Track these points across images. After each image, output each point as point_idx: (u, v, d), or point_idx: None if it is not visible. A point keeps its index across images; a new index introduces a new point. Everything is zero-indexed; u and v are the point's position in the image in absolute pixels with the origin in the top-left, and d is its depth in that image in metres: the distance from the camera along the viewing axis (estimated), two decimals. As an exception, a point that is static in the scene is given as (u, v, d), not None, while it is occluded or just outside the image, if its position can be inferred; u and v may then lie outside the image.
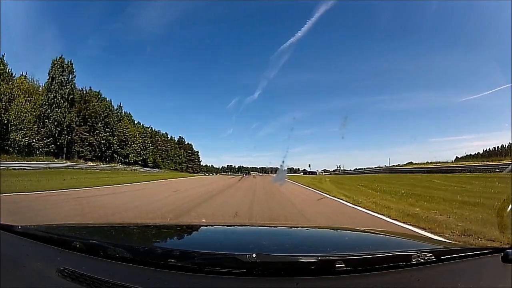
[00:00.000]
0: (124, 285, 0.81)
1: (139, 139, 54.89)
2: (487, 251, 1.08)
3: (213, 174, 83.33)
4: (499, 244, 3.21)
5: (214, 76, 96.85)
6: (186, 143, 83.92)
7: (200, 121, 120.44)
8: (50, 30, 67.16)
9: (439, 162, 36.62)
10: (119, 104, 55.05)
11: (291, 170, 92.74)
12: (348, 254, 1.00)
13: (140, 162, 54.77)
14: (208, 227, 2.18)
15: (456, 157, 46.72)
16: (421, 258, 0.94)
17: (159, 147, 66.71)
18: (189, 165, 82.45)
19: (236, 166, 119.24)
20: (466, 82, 75.14)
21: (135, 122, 59.14)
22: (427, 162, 41.39)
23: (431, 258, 0.95)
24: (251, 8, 76.85)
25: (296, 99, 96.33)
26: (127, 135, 51.93)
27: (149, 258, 0.95)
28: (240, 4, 74.01)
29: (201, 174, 77.31)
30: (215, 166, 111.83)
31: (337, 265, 0.86)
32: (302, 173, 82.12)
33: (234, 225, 2.62)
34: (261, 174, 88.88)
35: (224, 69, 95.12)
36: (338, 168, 77.86)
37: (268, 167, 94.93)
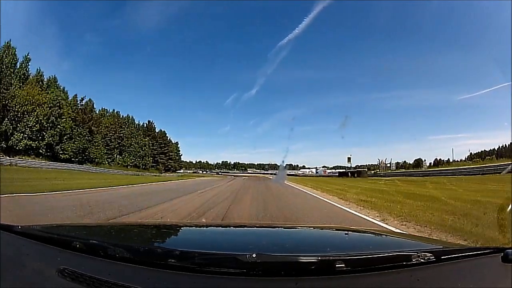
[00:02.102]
0: (124, 285, 0.81)
1: (44, 109, 32.19)
2: (487, 251, 1.08)
3: (207, 172, 78.91)
4: (499, 244, 3.20)
5: (212, 72, 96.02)
6: (157, 130, 60.36)
7: (198, 118, 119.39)
8: (50, 28, 67.07)
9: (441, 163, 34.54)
10: (26, 55, 34.02)
11: (290, 167, 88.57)
12: (348, 254, 1.00)
13: (42, 151, 32.99)
14: (208, 227, 2.19)
15: (471, 153, 45.67)
16: (421, 258, 0.94)
17: (93, 128, 42.22)
18: (160, 160, 58.59)
19: (232, 163, 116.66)
20: (466, 81, 75.51)
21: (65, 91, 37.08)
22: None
23: (431, 258, 0.96)
24: (249, 4, 76.60)
25: (294, 96, 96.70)
26: (7, 99, 29.44)
27: (149, 258, 0.94)
28: (238, 0, 73.71)
29: (181, 173, 60.25)
30: (210, 163, 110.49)
31: (337, 265, 0.86)
32: (318, 172, 69.78)
33: (234, 225, 2.62)
34: (259, 171, 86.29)
35: (221, 66, 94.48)
36: (382, 164, 56.14)
37: (266, 163, 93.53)
